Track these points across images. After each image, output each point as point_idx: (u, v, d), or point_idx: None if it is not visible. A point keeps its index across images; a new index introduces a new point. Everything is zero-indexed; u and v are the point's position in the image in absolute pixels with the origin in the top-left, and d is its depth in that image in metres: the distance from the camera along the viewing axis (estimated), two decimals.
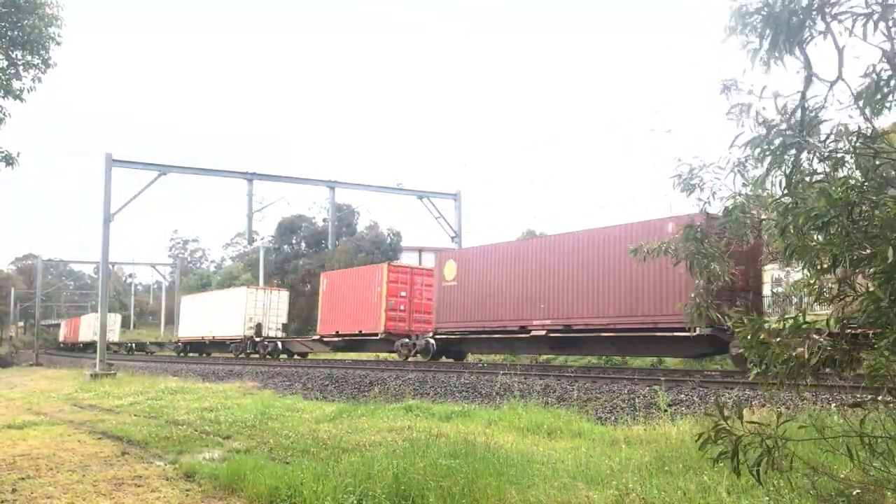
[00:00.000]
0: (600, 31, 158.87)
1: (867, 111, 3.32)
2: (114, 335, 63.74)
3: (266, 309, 37.53)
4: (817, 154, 3.52)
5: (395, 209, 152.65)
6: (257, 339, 36.42)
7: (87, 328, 65.80)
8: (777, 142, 3.50)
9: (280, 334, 37.53)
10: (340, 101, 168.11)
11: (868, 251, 3.24)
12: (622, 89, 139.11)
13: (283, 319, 38.43)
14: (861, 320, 3.42)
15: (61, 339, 78.53)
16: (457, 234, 33.33)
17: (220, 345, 41.27)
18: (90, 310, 76.71)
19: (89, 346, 63.26)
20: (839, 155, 3.46)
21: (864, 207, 3.29)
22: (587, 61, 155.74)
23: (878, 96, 3.25)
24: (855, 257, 3.30)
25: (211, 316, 40.94)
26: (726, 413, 3.62)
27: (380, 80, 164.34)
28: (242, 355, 37.31)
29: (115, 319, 66.27)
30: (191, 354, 44.78)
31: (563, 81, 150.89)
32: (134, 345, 59.87)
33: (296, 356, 35.52)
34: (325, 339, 31.12)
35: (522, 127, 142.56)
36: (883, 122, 3.69)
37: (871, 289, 3.32)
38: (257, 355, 36.30)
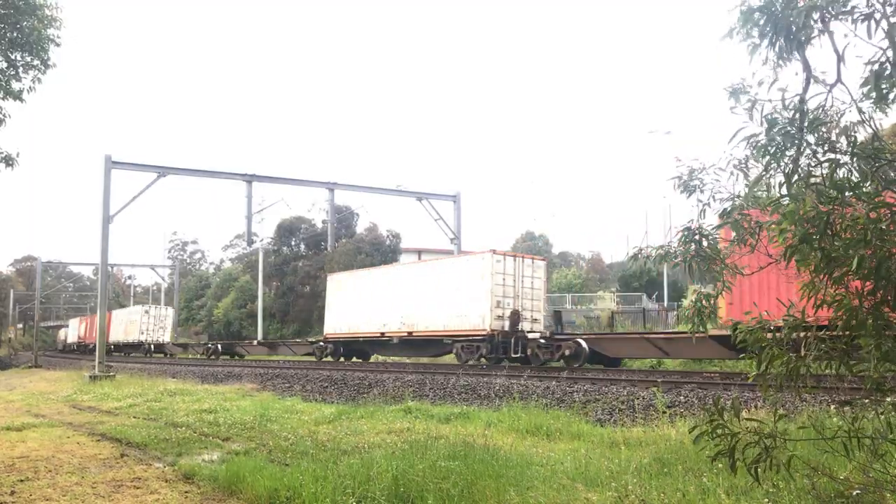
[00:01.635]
0: (601, 31, 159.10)
1: (873, 95, 3.31)
2: (165, 334, 50.90)
3: (518, 287, 22.78)
4: (815, 157, 3.53)
5: (394, 210, 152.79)
6: (534, 336, 21.74)
7: (127, 326, 51.66)
8: (777, 139, 3.50)
9: (538, 328, 23.09)
10: (340, 101, 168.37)
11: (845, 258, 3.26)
12: (622, 89, 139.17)
13: (542, 305, 23.86)
14: (840, 326, 3.45)
15: (73, 339, 66.17)
16: (456, 236, 33.27)
17: (417, 344, 25.96)
18: (89, 311, 73.29)
19: (130, 349, 50.82)
20: (836, 156, 3.46)
21: (838, 223, 3.30)
22: (587, 61, 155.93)
23: (885, 85, 3.24)
24: (833, 264, 3.31)
25: (404, 301, 25.85)
26: (724, 412, 3.62)
27: (380, 81, 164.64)
28: (476, 361, 22.35)
29: (167, 314, 52.27)
30: (342, 359, 29.49)
31: (563, 82, 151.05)
32: (219, 346, 43.57)
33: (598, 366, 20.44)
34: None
35: (522, 128, 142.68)
36: (884, 123, 3.70)
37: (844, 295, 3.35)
38: (518, 361, 21.55)
